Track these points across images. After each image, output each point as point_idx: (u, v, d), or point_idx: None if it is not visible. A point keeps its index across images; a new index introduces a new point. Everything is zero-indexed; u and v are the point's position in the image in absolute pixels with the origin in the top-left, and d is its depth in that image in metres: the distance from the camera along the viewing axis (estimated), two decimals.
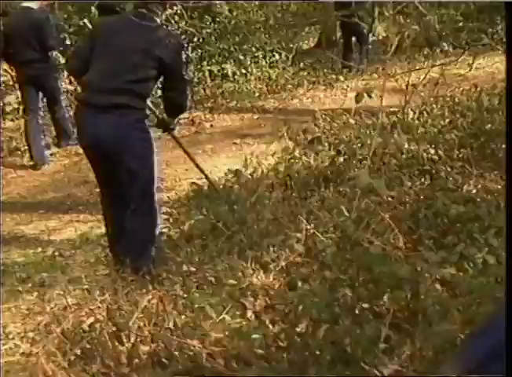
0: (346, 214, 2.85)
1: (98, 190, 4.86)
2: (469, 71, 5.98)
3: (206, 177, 4.00)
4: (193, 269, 3.10)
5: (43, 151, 5.91)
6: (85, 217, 4.47)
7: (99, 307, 2.76)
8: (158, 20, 3.05)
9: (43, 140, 5.97)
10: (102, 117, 2.95)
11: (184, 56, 3.12)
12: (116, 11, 3.53)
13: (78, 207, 4.71)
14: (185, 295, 2.72)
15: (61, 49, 6.19)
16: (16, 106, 7.47)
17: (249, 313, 2.51)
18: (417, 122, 4.50)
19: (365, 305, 2.34)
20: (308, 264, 2.55)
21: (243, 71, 8.39)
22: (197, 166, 3.93)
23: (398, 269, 2.20)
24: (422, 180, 3.57)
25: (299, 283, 2.45)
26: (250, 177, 4.22)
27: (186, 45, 3.61)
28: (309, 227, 2.64)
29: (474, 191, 3.22)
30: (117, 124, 2.95)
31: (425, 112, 4.77)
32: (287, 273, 2.54)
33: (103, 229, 4.09)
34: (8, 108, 7.55)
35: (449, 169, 3.55)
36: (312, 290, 2.50)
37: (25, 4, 5.76)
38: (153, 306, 2.62)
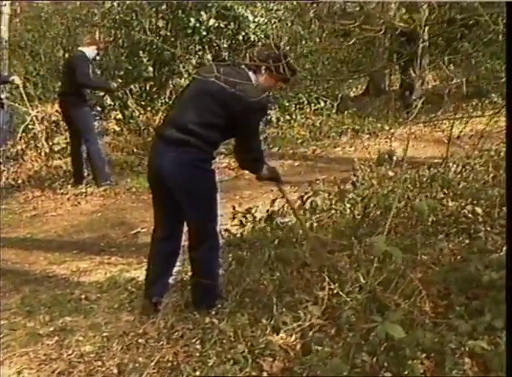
0: (373, 272, 2.71)
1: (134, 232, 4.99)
2: None
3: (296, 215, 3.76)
4: (215, 320, 3.02)
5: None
6: (116, 259, 4.47)
7: (113, 357, 2.71)
8: (254, 81, 3.06)
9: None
10: (168, 151, 3.01)
11: (259, 117, 3.15)
12: (224, 60, 3.60)
13: (110, 249, 4.74)
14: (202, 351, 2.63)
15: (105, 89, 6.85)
16: (63, 146, 7.71)
17: (264, 375, 2.39)
18: (459, 176, 4.33)
19: (387, 374, 2.20)
20: (327, 326, 2.43)
21: (288, 117, 8.41)
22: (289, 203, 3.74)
23: (421, 337, 2.06)
24: (461, 239, 3.40)
25: (317, 347, 2.32)
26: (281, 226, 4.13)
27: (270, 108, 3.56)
28: (332, 286, 2.52)
29: None
30: (179, 160, 2.99)
31: (468, 166, 4.59)
32: (302, 336, 2.41)
33: (132, 273, 4.09)
34: (56, 148, 7.80)
35: (489, 228, 3.37)
36: (333, 354, 2.37)
37: (80, 48, 6.33)
38: (167, 362, 2.54)
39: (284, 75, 3.00)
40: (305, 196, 4.16)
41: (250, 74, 3.08)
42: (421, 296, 2.41)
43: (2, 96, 7.88)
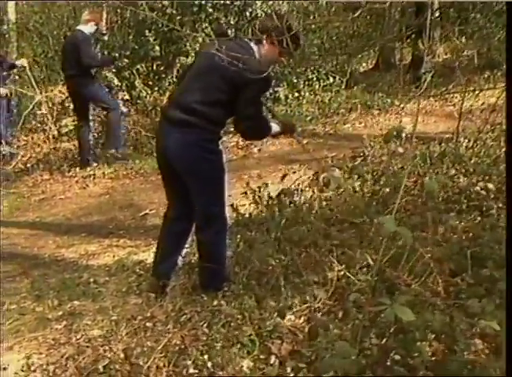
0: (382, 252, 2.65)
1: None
2: None
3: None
4: (223, 303, 2.99)
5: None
6: (124, 242, 4.45)
7: (121, 341, 2.68)
8: (256, 53, 2.98)
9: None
10: (172, 132, 2.97)
11: (261, 88, 2.98)
12: (227, 35, 3.50)
13: (119, 231, 4.72)
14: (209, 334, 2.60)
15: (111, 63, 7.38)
16: (71, 128, 7.67)
17: (272, 359, 2.36)
18: (470, 152, 4.24)
19: (396, 357, 2.15)
20: (335, 307, 2.38)
21: (296, 94, 8.29)
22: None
23: (430, 319, 2.01)
24: (472, 215, 3.33)
25: (327, 328, 2.28)
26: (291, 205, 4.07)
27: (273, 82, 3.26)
28: (339, 267, 2.47)
29: None
30: (183, 140, 2.95)
31: (479, 141, 4.50)
32: (309, 318, 2.37)
33: (140, 256, 4.07)
34: (64, 130, 7.75)
35: (501, 204, 3.29)
36: (341, 336, 2.33)
37: (78, 27, 6.25)
38: (174, 345, 2.51)
39: (287, 47, 2.91)
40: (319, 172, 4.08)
41: (252, 45, 2.99)
42: (433, 275, 2.35)
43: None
